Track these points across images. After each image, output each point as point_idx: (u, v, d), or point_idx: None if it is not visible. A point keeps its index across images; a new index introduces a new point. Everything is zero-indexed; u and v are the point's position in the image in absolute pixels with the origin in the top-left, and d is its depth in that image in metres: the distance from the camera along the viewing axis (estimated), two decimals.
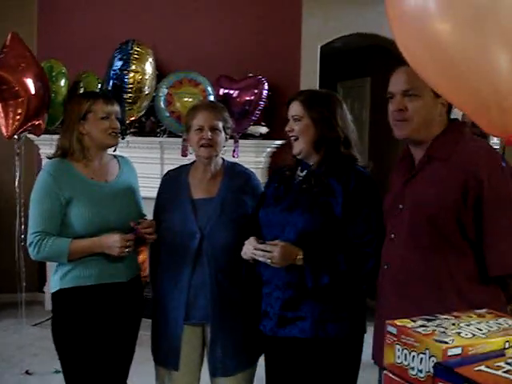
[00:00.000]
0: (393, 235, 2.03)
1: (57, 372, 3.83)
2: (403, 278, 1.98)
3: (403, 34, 1.09)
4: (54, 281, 2.47)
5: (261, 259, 2.13)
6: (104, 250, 2.38)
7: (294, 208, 2.20)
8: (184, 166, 2.63)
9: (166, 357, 2.49)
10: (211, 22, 4.91)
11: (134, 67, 3.41)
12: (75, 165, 2.47)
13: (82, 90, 3.99)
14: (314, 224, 2.15)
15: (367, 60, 6.17)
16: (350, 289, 2.20)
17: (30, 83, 3.31)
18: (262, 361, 2.44)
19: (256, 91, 4.28)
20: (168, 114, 3.64)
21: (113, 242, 2.36)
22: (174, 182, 2.59)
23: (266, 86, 4.38)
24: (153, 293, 2.62)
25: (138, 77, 3.43)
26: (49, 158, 2.55)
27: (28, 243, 2.40)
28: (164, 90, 3.80)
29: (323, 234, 2.16)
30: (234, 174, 2.55)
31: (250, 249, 2.16)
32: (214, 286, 2.40)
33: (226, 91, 4.31)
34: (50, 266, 5.10)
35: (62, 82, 4.02)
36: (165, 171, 4.77)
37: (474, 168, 1.86)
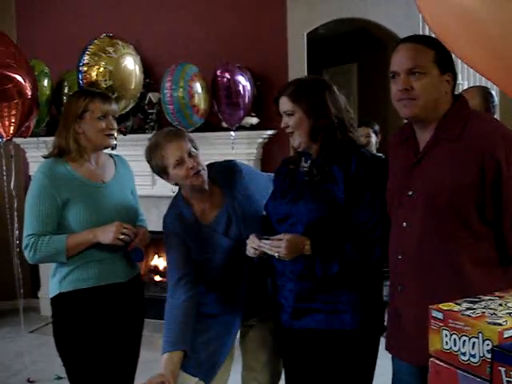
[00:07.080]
0: (405, 223, 1.93)
1: (58, 378, 3.80)
2: (421, 266, 1.89)
3: (433, 7, 1.03)
4: (53, 285, 2.41)
5: (269, 252, 2.08)
6: (99, 238, 2.31)
7: (298, 199, 2.15)
8: (173, 206, 2.39)
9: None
10: (195, 13, 4.81)
11: (102, 62, 3.29)
12: (71, 165, 2.40)
13: (66, 90, 3.90)
14: (319, 213, 2.10)
15: (353, 46, 6.13)
16: (363, 277, 2.14)
17: (24, 82, 3.19)
18: None
19: (243, 79, 4.23)
20: (191, 109, 3.53)
21: (109, 227, 2.30)
22: (185, 229, 2.34)
23: (249, 75, 4.32)
24: None
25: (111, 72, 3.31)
26: (44, 157, 2.48)
27: (23, 246, 2.33)
28: (185, 84, 3.70)
29: (329, 223, 2.10)
30: (222, 177, 2.38)
31: (254, 245, 2.11)
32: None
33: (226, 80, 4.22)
34: (44, 272, 5.05)
35: (45, 82, 3.92)
36: None
37: (490, 147, 1.77)
